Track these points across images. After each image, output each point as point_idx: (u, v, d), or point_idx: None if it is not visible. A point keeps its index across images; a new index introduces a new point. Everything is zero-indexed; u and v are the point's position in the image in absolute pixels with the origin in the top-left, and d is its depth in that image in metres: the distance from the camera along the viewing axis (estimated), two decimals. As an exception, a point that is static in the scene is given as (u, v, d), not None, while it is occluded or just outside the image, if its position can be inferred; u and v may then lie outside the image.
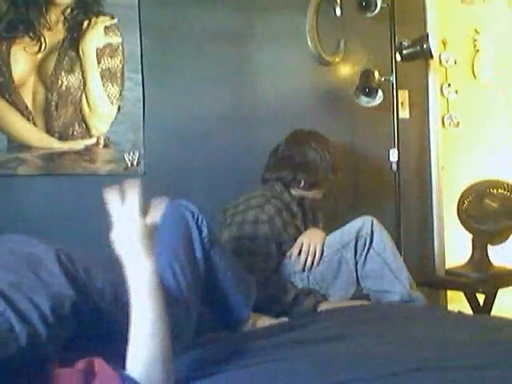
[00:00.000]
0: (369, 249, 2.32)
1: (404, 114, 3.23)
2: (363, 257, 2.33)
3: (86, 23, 2.50)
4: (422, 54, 3.06)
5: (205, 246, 1.88)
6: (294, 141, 2.59)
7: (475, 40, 3.83)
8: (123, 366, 1.32)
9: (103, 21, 2.53)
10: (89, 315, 1.44)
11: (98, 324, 1.46)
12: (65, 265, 1.45)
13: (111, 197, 1.39)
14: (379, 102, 2.91)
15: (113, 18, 2.55)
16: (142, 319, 1.32)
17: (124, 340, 1.36)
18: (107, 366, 1.31)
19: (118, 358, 1.35)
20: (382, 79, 2.95)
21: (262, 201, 2.41)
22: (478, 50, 3.82)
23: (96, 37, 2.52)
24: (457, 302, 3.20)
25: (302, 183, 2.52)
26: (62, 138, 2.47)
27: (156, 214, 1.43)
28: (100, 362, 1.32)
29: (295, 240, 2.42)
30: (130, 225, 1.39)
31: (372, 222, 2.34)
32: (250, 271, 2.11)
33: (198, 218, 1.89)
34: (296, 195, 2.55)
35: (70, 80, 2.47)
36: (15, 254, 1.46)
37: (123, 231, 1.39)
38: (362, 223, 2.34)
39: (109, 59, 2.55)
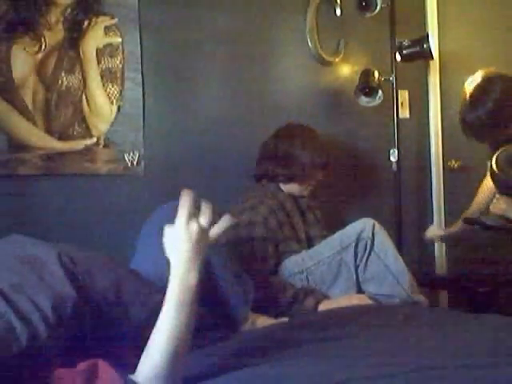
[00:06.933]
0: (370, 252, 2.30)
1: (404, 114, 3.24)
2: (364, 260, 2.31)
3: (86, 23, 2.50)
4: (421, 54, 3.07)
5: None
6: (281, 134, 2.59)
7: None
8: (124, 367, 1.32)
9: (103, 21, 2.53)
10: (90, 316, 1.44)
11: (99, 325, 1.46)
12: (66, 265, 1.45)
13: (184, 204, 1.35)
14: (379, 102, 2.91)
15: (113, 18, 2.54)
16: (164, 328, 1.31)
17: (125, 341, 1.35)
18: (111, 368, 1.30)
19: (118, 359, 1.35)
20: (382, 79, 2.95)
21: (255, 202, 2.41)
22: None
23: (96, 37, 2.52)
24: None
25: (283, 176, 2.52)
26: (62, 137, 2.46)
27: (205, 219, 1.36)
28: (104, 364, 1.31)
29: (292, 240, 2.41)
30: (178, 233, 1.35)
31: (373, 224, 2.31)
32: (248, 274, 2.10)
33: None
34: (286, 192, 2.54)
35: (70, 80, 2.47)
36: (16, 255, 1.46)
37: (173, 237, 1.36)
38: (364, 226, 2.31)
39: (109, 59, 2.54)
